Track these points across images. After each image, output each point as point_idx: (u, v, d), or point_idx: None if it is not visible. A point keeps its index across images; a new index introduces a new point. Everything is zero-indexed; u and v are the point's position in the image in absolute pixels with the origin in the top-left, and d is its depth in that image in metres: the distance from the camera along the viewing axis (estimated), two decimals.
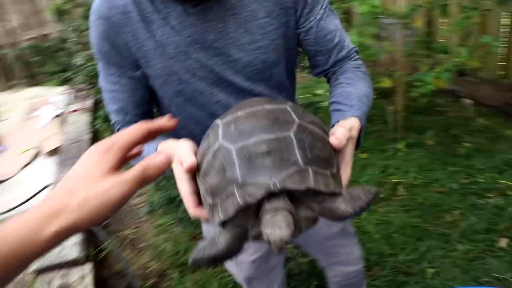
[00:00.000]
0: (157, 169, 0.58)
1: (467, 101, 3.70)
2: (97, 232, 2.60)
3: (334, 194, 0.71)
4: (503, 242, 2.34)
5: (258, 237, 0.71)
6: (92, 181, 0.52)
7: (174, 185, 2.45)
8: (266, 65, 1.06)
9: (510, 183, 2.72)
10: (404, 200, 2.76)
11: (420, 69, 3.28)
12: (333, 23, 1.10)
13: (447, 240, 2.39)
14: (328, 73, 1.16)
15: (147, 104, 1.13)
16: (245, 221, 0.71)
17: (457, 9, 3.39)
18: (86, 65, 3.08)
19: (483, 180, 2.79)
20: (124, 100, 1.09)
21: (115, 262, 2.59)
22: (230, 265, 1.49)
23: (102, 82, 1.10)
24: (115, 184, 0.52)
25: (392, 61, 3.37)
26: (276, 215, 0.65)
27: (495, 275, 2.16)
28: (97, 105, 3.83)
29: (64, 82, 4.59)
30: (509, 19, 3.27)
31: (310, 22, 1.07)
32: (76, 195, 0.51)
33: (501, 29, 3.37)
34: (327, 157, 0.73)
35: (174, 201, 2.52)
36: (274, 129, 0.71)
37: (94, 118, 3.00)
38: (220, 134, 0.74)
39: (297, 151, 0.69)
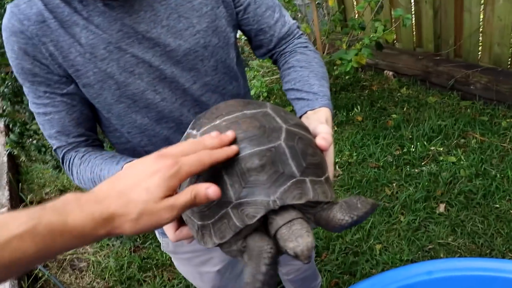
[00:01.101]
0: (206, 199, 0.59)
1: (389, 73, 3.78)
2: None
3: (331, 202, 0.68)
4: (441, 208, 2.40)
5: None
6: (152, 199, 0.56)
7: None
8: (208, 50, 0.97)
9: (440, 149, 2.80)
10: (342, 179, 2.77)
11: (340, 48, 3.30)
12: None
13: (389, 213, 2.42)
14: (274, 53, 1.09)
15: (89, 120, 1.00)
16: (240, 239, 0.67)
17: None
18: None
19: (415, 150, 2.85)
20: (62, 122, 0.95)
21: None
22: (194, 277, 1.38)
23: (32, 106, 0.96)
24: (167, 208, 0.56)
25: (310, 42, 3.37)
26: (292, 226, 0.62)
27: (438, 241, 2.22)
28: (8, 128, 3.54)
29: None
30: None
31: None
32: (135, 208, 0.55)
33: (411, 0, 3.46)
34: (319, 162, 0.71)
35: None
36: (263, 140, 0.66)
37: (6, 142, 2.77)
38: None
39: (291, 161, 0.66)
